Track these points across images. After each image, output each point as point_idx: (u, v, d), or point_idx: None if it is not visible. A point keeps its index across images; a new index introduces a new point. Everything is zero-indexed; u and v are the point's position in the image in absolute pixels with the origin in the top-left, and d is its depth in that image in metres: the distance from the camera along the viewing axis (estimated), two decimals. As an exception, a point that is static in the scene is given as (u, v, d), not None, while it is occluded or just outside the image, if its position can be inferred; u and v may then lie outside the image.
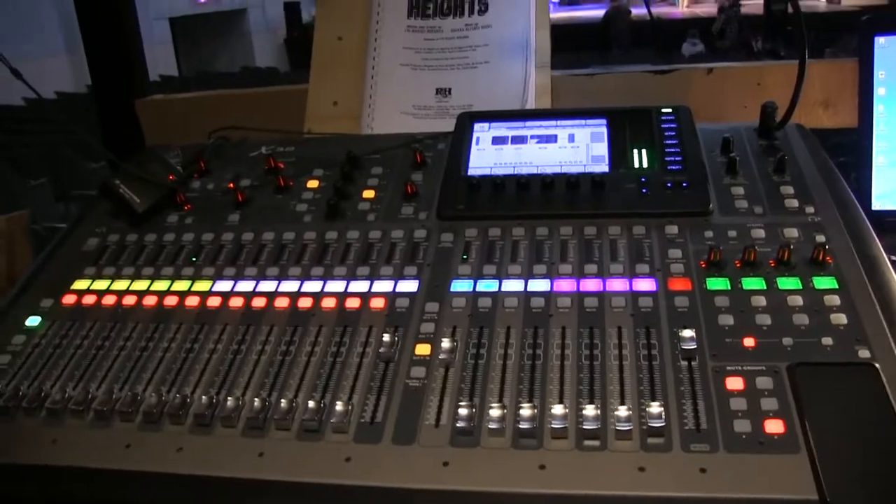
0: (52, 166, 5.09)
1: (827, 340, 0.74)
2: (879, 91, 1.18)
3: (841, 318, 0.76)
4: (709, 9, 9.29)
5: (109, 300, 0.92)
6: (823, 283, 0.81)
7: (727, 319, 0.78)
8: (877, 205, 1.19)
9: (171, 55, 10.08)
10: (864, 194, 1.18)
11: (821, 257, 0.82)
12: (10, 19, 7.46)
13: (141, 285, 0.93)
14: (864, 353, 0.72)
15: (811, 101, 1.21)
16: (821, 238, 0.86)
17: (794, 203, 0.91)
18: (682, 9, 9.90)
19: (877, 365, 0.71)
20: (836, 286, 0.80)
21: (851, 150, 1.20)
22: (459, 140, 1.05)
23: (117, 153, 1.14)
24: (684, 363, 0.74)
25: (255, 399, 0.75)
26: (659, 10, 9.75)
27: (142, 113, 1.41)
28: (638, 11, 9.29)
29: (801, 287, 0.80)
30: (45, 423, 0.78)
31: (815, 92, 1.20)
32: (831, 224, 0.88)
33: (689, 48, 7.92)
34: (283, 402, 0.74)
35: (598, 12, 9.75)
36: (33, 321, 0.91)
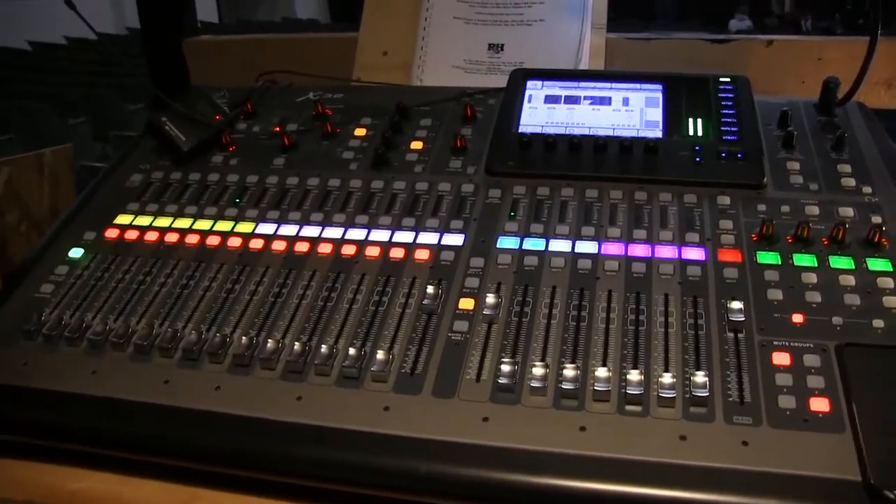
0: (92, 106, 5.13)
1: (878, 322, 0.72)
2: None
3: (893, 302, 0.74)
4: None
5: (152, 236, 0.92)
6: (877, 264, 0.79)
7: (776, 294, 0.76)
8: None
9: (212, 3, 10.05)
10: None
11: (876, 238, 0.80)
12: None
13: (184, 223, 0.93)
14: None
15: (873, 80, 1.17)
16: (877, 219, 0.84)
17: (851, 182, 0.89)
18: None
19: (929, 350, 0.69)
20: (891, 269, 0.78)
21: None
22: (512, 96, 1.03)
23: (166, 91, 1.13)
24: (731, 335, 0.73)
25: (296, 343, 0.75)
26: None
27: (189, 54, 1.40)
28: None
29: (853, 267, 0.78)
30: (85, 354, 0.79)
31: (879, 71, 1.17)
32: (889, 206, 0.86)
33: (736, 23, 7.78)
34: (324, 348, 0.74)
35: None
36: (76, 253, 0.91)
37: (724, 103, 0.98)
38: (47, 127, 4.65)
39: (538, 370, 0.70)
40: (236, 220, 0.92)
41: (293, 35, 1.45)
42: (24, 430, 0.75)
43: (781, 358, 0.70)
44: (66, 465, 0.75)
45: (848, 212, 0.85)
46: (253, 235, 0.90)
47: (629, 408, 0.68)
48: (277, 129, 1.06)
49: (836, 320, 0.73)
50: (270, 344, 0.75)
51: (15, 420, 0.76)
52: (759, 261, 0.80)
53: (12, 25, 7.09)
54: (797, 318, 0.74)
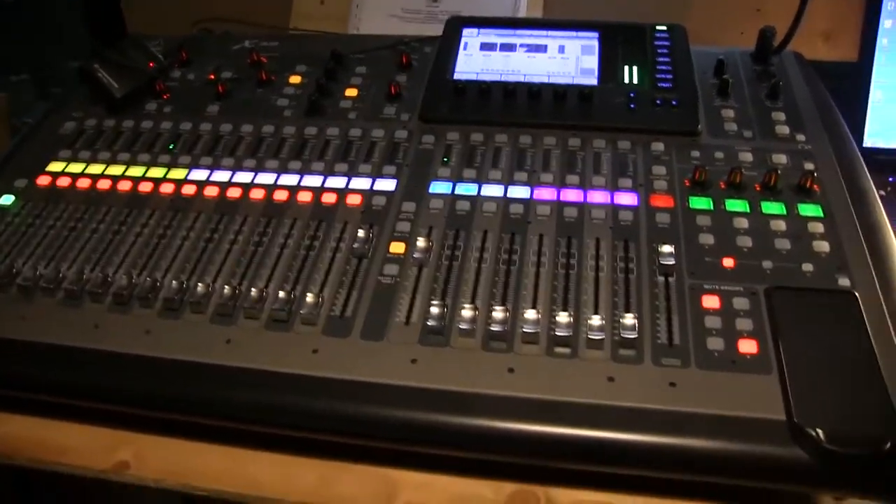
0: (35, 62, 4.99)
1: (807, 267, 0.73)
2: (886, 23, 1.15)
3: (823, 246, 0.75)
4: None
5: (84, 183, 0.90)
6: (808, 210, 0.80)
7: (707, 239, 0.77)
8: (868, 142, 1.18)
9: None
10: (857, 130, 1.17)
11: (808, 184, 0.81)
12: None
13: (116, 170, 0.91)
14: (843, 282, 0.72)
15: (811, 32, 1.18)
16: (809, 166, 0.84)
17: (786, 130, 0.89)
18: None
19: (856, 293, 0.70)
20: (822, 214, 0.79)
21: (848, 84, 1.18)
22: (447, 44, 1.02)
23: (100, 39, 1.11)
24: (661, 279, 0.73)
25: (226, 287, 0.74)
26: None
27: (126, 2, 1.37)
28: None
29: (785, 213, 0.79)
30: (15, 300, 0.78)
31: (817, 22, 1.18)
32: (822, 153, 0.86)
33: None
34: (254, 291, 0.73)
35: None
36: (7, 199, 0.89)
37: (659, 52, 0.98)
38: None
39: (467, 312, 0.70)
40: (169, 166, 0.91)
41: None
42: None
43: (711, 301, 0.71)
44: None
45: (781, 158, 0.86)
46: (185, 182, 0.88)
47: (558, 349, 0.68)
48: (212, 76, 1.04)
49: (767, 264, 0.74)
50: (200, 288, 0.74)
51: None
52: (691, 206, 0.81)
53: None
54: (728, 262, 0.75)
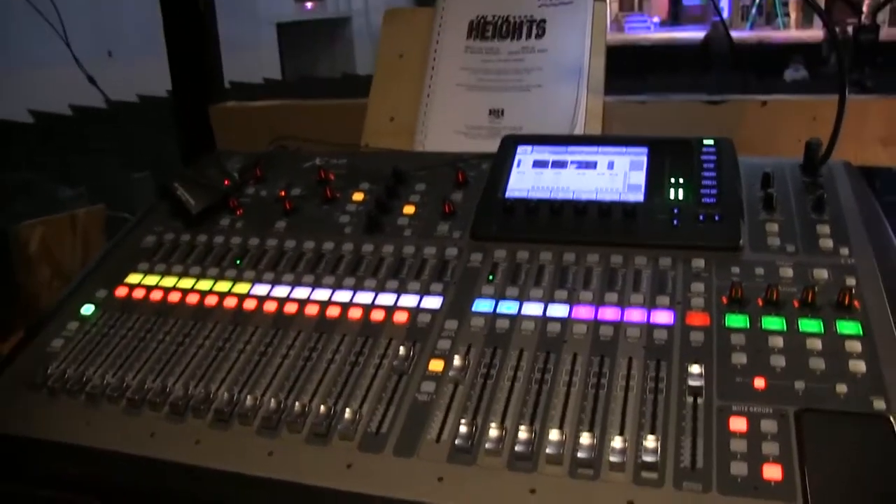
0: (155, 161, 5.32)
1: (841, 388, 0.72)
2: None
3: (859, 366, 0.74)
4: (815, 33, 8.99)
5: (156, 295, 0.98)
6: (847, 327, 0.79)
7: (740, 358, 0.77)
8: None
9: (276, 59, 10.33)
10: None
11: (847, 301, 0.80)
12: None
13: (186, 283, 0.99)
14: (879, 405, 0.70)
15: (870, 138, 1.18)
16: (851, 281, 0.84)
17: (829, 243, 0.89)
18: (788, 32, 9.60)
19: (892, 418, 0.69)
20: (860, 332, 0.78)
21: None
22: (501, 161, 1.07)
23: (193, 156, 1.20)
24: (690, 399, 0.74)
25: (272, 400, 0.79)
26: (762, 34, 9.49)
27: (215, 119, 1.48)
28: (739, 34, 9.09)
29: (822, 331, 0.78)
30: (83, 406, 0.84)
31: (874, 128, 1.17)
32: (865, 268, 0.85)
33: (791, 73, 7.71)
34: (297, 405, 0.78)
35: (698, 34, 9.54)
36: (87, 309, 0.98)
37: (705, 166, 0.99)
38: (113, 181, 4.85)
39: (494, 432, 0.72)
40: (234, 281, 0.98)
41: (311, 102, 1.51)
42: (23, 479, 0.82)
43: (738, 423, 0.71)
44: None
45: (822, 273, 0.85)
46: (247, 296, 0.95)
47: (581, 471, 0.69)
48: (282, 193, 1.12)
49: (799, 385, 0.73)
50: (249, 400, 0.80)
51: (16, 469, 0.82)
52: (727, 324, 0.81)
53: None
54: (759, 382, 0.74)
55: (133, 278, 1.02)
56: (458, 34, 1.28)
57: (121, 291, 1.00)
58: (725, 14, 10.32)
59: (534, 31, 1.24)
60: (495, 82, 1.25)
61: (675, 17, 10.44)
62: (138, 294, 0.99)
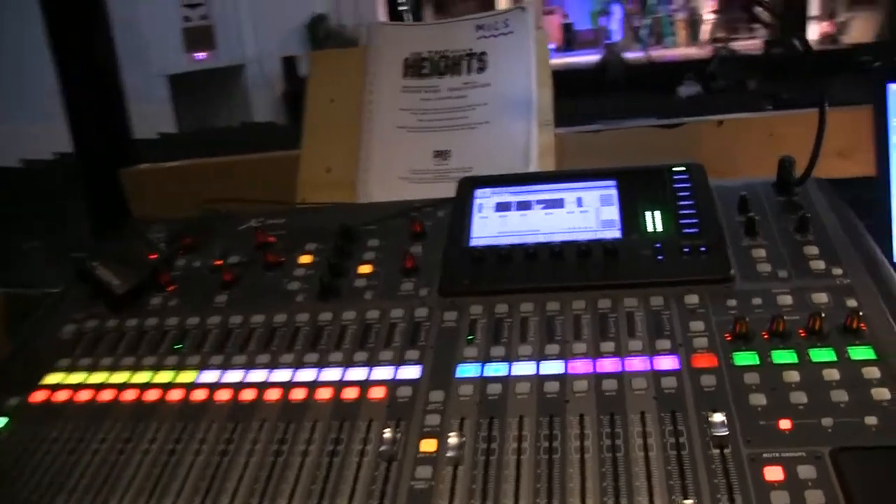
0: (49, 228, 5.07)
1: (870, 420, 0.68)
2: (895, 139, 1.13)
3: (883, 394, 0.70)
4: (703, 50, 9.30)
5: (84, 395, 0.85)
6: (859, 353, 0.74)
7: (759, 399, 0.71)
8: (897, 257, 1.13)
9: (170, 112, 10.10)
10: (884, 245, 1.12)
11: (854, 324, 0.76)
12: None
13: (120, 378, 0.86)
14: None
15: (827, 151, 1.15)
16: (852, 303, 0.80)
17: (821, 264, 0.85)
18: (677, 51, 9.92)
19: (929, 448, 0.64)
20: (874, 356, 0.74)
21: (870, 200, 1.15)
22: (461, 208, 0.99)
23: (103, 222, 1.09)
24: (716, 451, 0.67)
25: (244, 509, 0.68)
26: (654, 53, 9.80)
27: (127, 182, 1.36)
28: (632, 55, 9.35)
29: (835, 359, 0.74)
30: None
31: (831, 141, 1.15)
32: (862, 286, 0.82)
33: (685, 90, 7.93)
34: (274, 513, 0.67)
35: (593, 57, 9.75)
36: (-3, 423, 0.83)
37: (680, 194, 0.94)
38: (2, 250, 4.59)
39: (511, 518, 0.63)
40: (176, 369, 0.86)
41: (235, 158, 1.41)
42: None
43: (774, 473, 0.65)
44: None
45: (822, 297, 0.81)
46: (195, 386, 0.83)
47: (616, 549, 0.61)
48: (219, 262, 1.00)
49: (826, 422, 0.68)
50: (216, 513, 0.68)
51: None
52: (735, 363, 0.75)
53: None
54: (784, 423, 0.69)
55: (52, 378, 0.88)
56: (393, 73, 1.20)
57: (38, 396, 0.86)
58: (618, 36, 10.59)
59: (475, 65, 1.17)
60: (438, 122, 1.17)
61: (569, 42, 10.68)
62: (61, 397, 0.85)
